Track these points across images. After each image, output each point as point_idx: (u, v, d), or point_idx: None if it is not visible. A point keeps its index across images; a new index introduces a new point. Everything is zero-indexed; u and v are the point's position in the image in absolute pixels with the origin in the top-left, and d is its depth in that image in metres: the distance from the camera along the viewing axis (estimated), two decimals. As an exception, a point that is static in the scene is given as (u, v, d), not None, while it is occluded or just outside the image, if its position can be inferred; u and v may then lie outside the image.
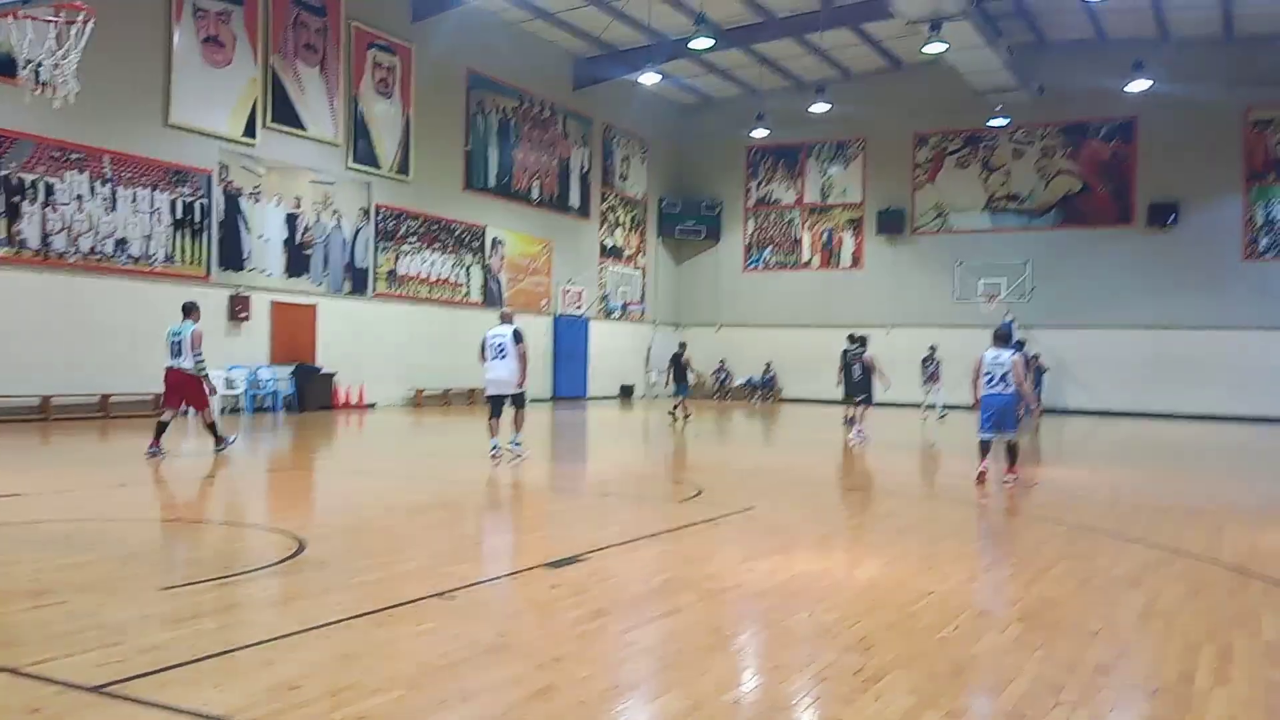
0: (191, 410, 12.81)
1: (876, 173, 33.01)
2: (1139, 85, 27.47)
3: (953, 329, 29.43)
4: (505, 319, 13.34)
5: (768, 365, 33.72)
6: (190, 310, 12.34)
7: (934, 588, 6.09)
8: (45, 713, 3.63)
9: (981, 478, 11.40)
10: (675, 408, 21.79)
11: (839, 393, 19.19)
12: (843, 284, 33.44)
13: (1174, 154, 28.84)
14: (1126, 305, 29.34)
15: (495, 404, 12.93)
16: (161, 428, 12.13)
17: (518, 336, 12.85)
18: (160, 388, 12.52)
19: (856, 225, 33.40)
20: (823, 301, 33.45)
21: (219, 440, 12.46)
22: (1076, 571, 6.77)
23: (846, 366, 20.15)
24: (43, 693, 3.83)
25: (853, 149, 33.41)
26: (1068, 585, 6.31)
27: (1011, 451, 11.41)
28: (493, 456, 12.54)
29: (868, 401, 18.12)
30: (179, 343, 12.07)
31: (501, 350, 12.81)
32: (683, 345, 23.16)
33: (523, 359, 12.89)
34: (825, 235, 33.96)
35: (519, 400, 13.00)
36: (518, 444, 12.82)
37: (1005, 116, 30.11)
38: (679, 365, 22.00)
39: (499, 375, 12.85)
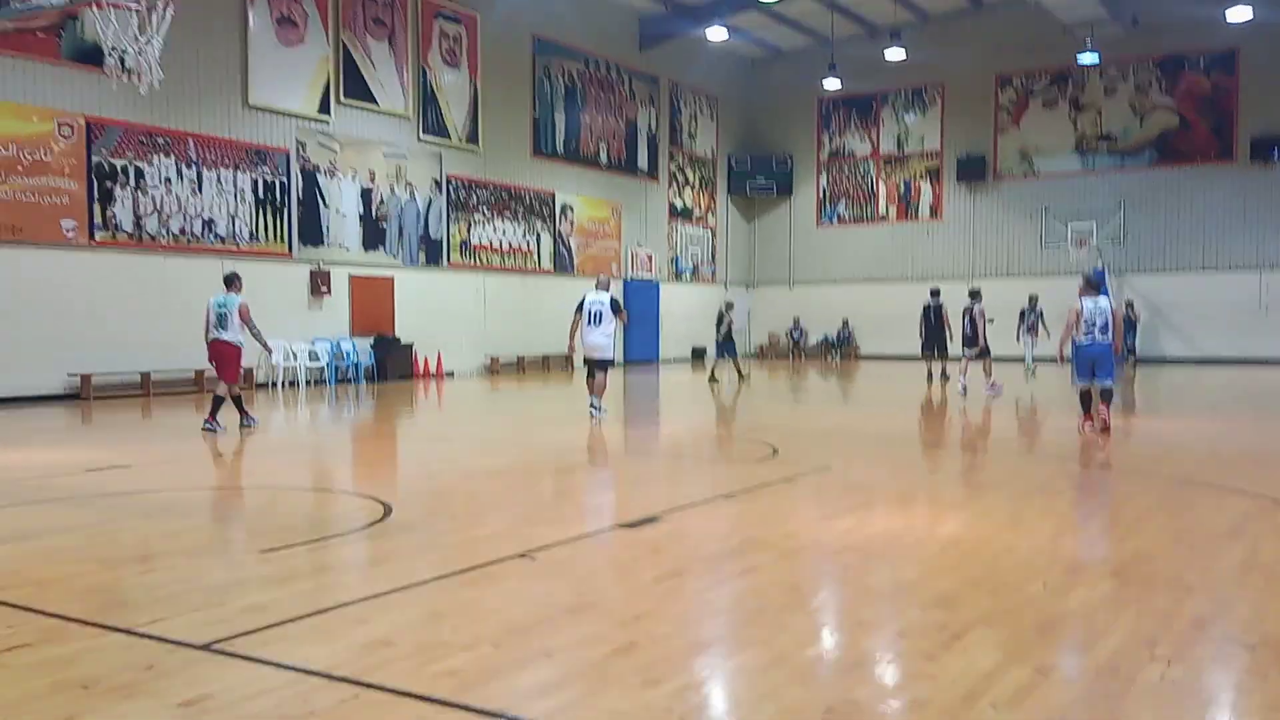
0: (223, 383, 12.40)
1: (956, 119, 32.18)
2: (1240, 14, 26.04)
3: (1039, 278, 28.66)
4: (602, 286, 13.75)
5: (844, 322, 33.33)
6: (232, 282, 12.35)
7: (1021, 544, 6.03)
8: (159, 668, 3.82)
9: (1084, 426, 11.49)
10: (714, 370, 21.78)
11: (919, 347, 19.30)
12: (921, 236, 32.82)
13: (1278, 86, 27.50)
14: (1227, 247, 28.20)
15: (593, 367, 13.39)
16: (238, 401, 12.31)
17: (615, 306, 13.33)
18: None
19: (935, 174, 32.69)
20: (900, 255, 32.90)
21: (245, 416, 12.38)
22: (1172, 525, 6.63)
23: (927, 320, 20.19)
24: (156, 651, 4.03)
25: (930, 95, 32.61)
26: (1163, 539, 6.19)
27: (1106, 396, 11.42)
28: (592, 415, 13.08)
29: (986, 354, 18.17)
30: (225, 314, 12.05)
31: (599, 316, 13.28)
32: (729, 305, 22.75)
33: (619, 325, 13.48)
34: (902, 186, 33.33)
35: (606, 367, 13.42)
36: (597, 410, 13.18)
37: (1095, 52, 28.83)
38: (723, 325, 21.75)
39: (596, 341, 13.32)
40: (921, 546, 5.99)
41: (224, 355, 12.14)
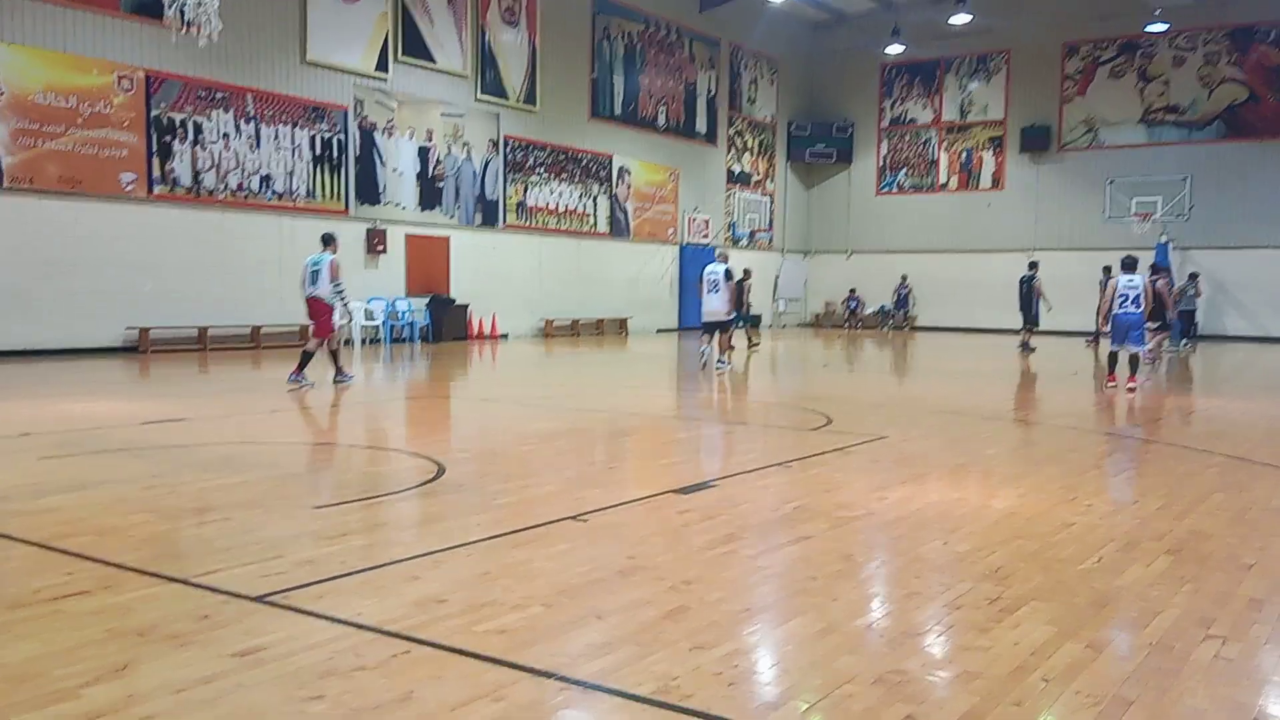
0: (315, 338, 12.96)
1: (1021, 87, 31.50)
2: (1312, -16, 25.36)
3: (1102, 252, 28.02)
4: (721, 258, 16.08)
5: (903, 278, 32.32)
6: (329, 241, 12.78)
7: (1076, 519, 5.94)
8: (214, 619, 3.89)
9: (1110, 383, 13.42)
10: (746, 339, 21.39)
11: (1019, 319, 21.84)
12: (982, 206, 32.27)
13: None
14: (1295, 224, 27.47)
15: (708, 328, 15.94)
16: (334, 356, 12.74)
17: (728, 274, 15.68)
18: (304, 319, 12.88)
19: (998, 144, 32.07)
20: (960, 225, 32.40)
21: (340, 371, 12.77)
22: (1231, 503, 6.49)
23: (1023, 292, 21.74)
24: (211, 601, 4.10)
25: (995, 63, 31.94)
26: (1221, 517, 6.06)
27: (1134, 363, 13.39)
28: (703, 366, 15.61)
29: (1164, 327, 18.75)
30: (317, 271, 12.48)
31: (715, 285, 15.52)
32: (746, 271, 22.41)
33: (731, 293, 15.79)
34: (964, 155, 32.75)
35: (725, 327, 15.95)
36: (723, 363, 15.59)
37: (1164, 21, 28.08)
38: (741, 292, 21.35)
39: (712, 306, 15.62)
40: (975, 519, 5.91)
41: (316, 311, 12.57)
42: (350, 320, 14.81)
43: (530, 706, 3.15)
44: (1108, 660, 3.72)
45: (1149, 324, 18.70)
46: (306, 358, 12.53)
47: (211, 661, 3.44)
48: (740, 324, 21.26)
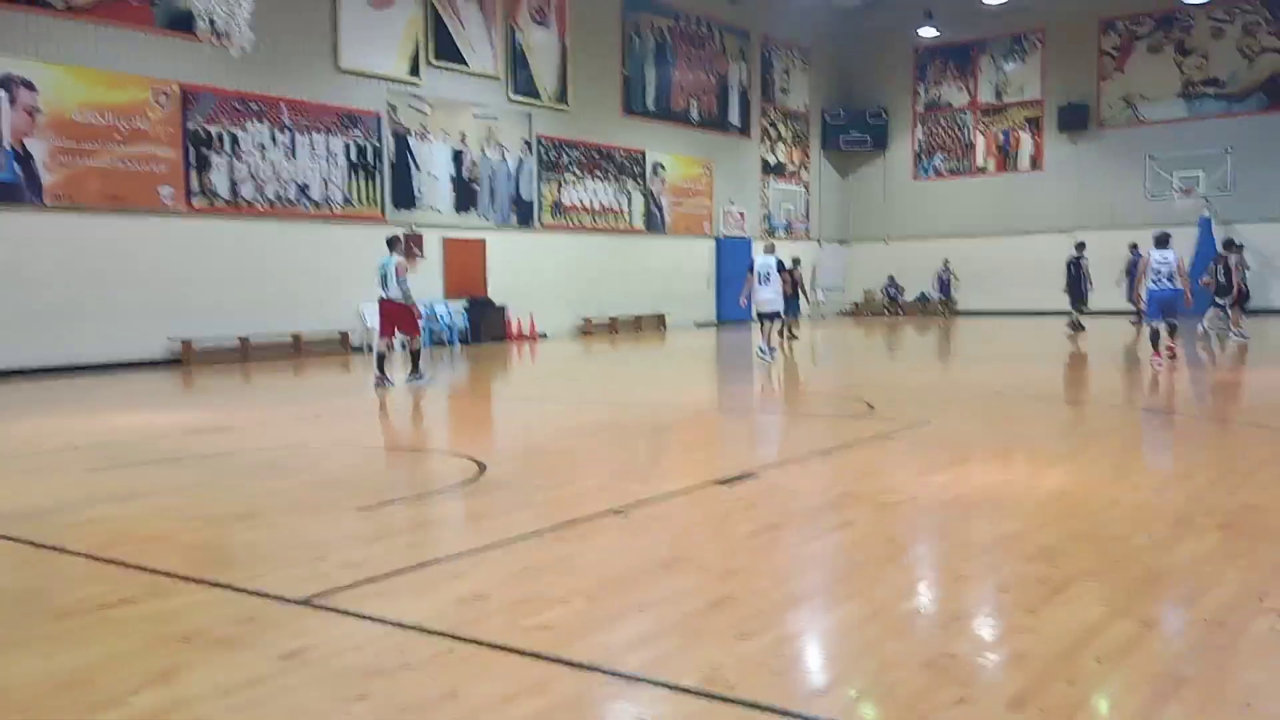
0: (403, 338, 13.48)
1: (1057, 66, 31.02)
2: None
3: (1144, 229, 27.52)
4: (769, 250, 16.55)
5: (945, 262, 31.90)
6: (393, 244, 13.13)
7: (1125, 497, 5.83)
8: (260, 622, 3.92)
9: (1156, 360, 13.35)
10: (784, 329, 20.24)
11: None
12: (1021, 187, 31.84)
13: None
14: (1340, 194, 26.86)
15: (763, 319, 16.27)
16: (380, 359, 12.89)
17: (780, 266, 16.38)
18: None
19: (1035, 124, 31.62)
20: (999, 208, 32.00)
21: (416, 371, 12.99)
22: (1284, 477, 6.35)
23: (1071, 274, 21.82)
24: (256, 604, 4.13)
25: (1030, 42, 31.46)
26: (1273, 490, 5.93)
27: (1172, 330, 13.63)
28: (761, 356, 15.85)
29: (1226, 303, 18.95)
30: (386, 274, 12.79)
31: (767, 276, 16.01)
32: (795, 260, 22.26)
33: (786, 283, 16.70)
34: (1001, 137, 32.34)
35: (778, 316, 16.62)
36: (771, 351, 16.02)
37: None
38: (793, 280, 20.96)
39: (765, 297, 16.08)
40: (1022, 500, 5.82)
41: (393, 313, 12.90)
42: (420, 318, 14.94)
43: (575, 700, 3.14)
44: (1161, 638, 3.65)
45: (1218, 300, 19.17)
46: (415, 358, 13.04)
47: (257, 664, 3.45)
48: (794, 315, 21.27)
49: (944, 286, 32.05)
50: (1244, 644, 3.51)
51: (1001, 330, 24.08)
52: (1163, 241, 13.73)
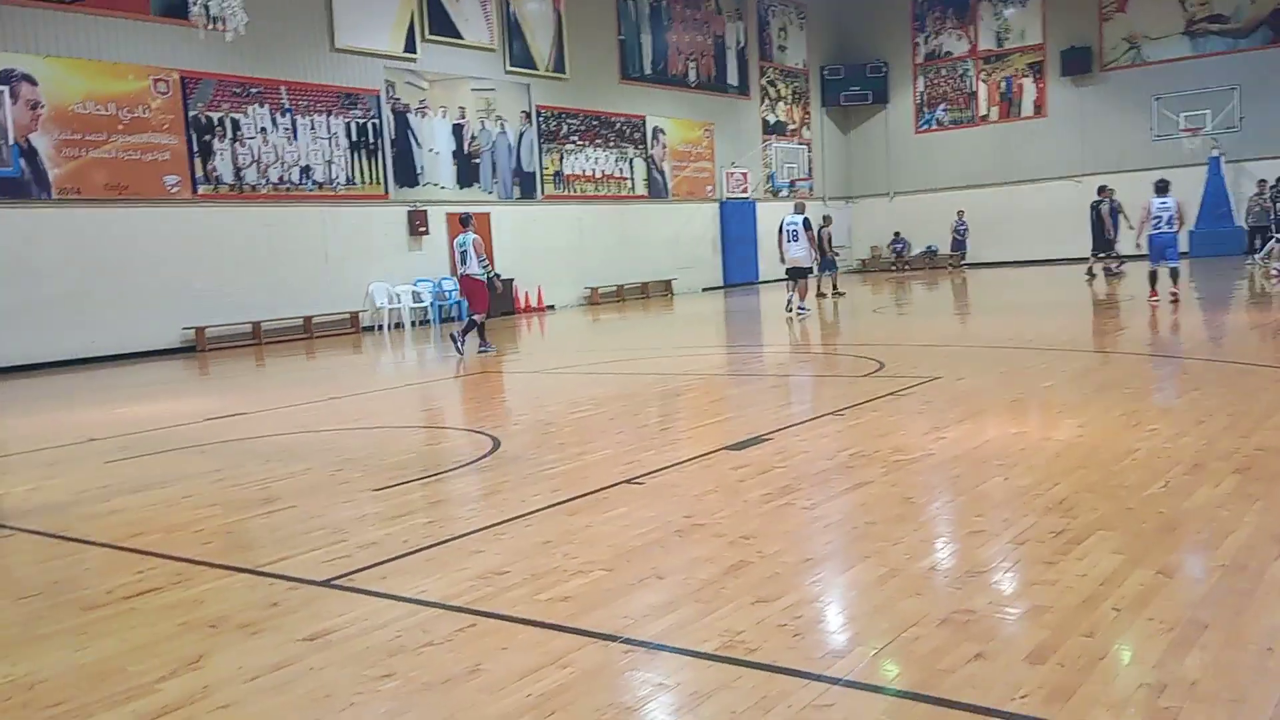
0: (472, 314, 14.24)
1: (1058, 8, 30.62)
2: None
3: (1152, 172, 27.27)
4: (798, 209, 17.27)
5: (960, 214, 30.90)
6: (467, 222, 14.15)
7: (1139, 445, 5.83)
8: (283, 605, 3.96)
9: (1153, 298, 14.45)
10: (834, 285, 21.52)
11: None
12: (1025, 135, 31.55)
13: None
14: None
15: (792, 274, 16.89)
16: (480, 328, 13.88)
17: (807, 224, 16.80)
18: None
19: (1038, 69, 31.29)
20: (1004, 157, 31.74)
21: (484, 342, 13.98)
22: (1298, 418, 6.33)
23: (1093, 218, 22.37)
24: (279, 588, 4.18)
25: (1029, -15, 31.11)
26: (1288, 433, 5.91)
27: (1174, 275, 14.54)
28: (789, 312, 16.74)
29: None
30: (465, 251, 13.80)
31: (795, 234, 16.70)
32: (826, 219, 22.30)
33: (811, 241, 16.99)
34: (1003, 84, 32.02)
35: (806, 273, 17.09)
36: (804, 309, 16.66)
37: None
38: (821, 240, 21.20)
39: (794, 254, 16.78)
40: (1036, 453, 5.83)
41: (469, 288, 14.06)
42: (499, 286, 15.84)
43: (597, 670, 3.17)
44: (1179, 585, 3.66)
45: (1277, 235, 20.28)
46: (481, 329, 13.95)
47: (282, 647, 3.50)
48: (824, 272, 21.30)
49: (959, 239, 31.13)
50: (1263, 588, 3.52)
51: (1010, 281, 23.96)
52: (1162, 189, 14.54)
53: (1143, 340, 11.80)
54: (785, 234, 16.69)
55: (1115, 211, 21.91)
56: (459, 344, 13.76)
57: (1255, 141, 27.33)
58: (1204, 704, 2.70)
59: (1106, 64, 30.03)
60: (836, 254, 23.04)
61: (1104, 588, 3.59)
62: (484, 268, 13.81)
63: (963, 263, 31.11)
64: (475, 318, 13.90)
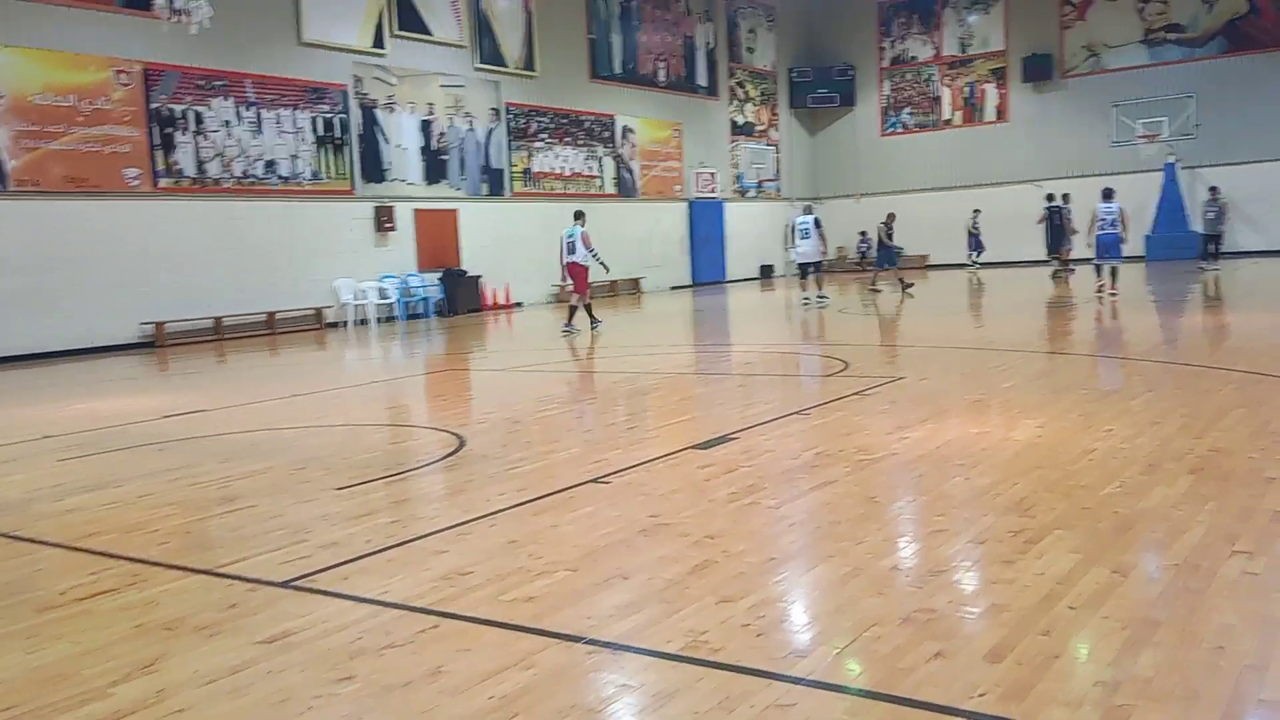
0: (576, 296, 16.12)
1: (1020, 16, 30.98)
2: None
3: (1111, 177, 27.61)
4: (808, 210, 19.68)
5: (975, 213, 28.78)
6: (579, 216, 16.21)
7: (1096, 445, 5.91)
8: (241, 607, 3.92)
9: (1100, 289, 16.51)
10: (876, 279, 23.10)
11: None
12: (987, 139, 31.86)
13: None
14: (1304, 133, 26.98)
15: (803, 269, 19.11)
16: (572, 311, 15.74)
17: (818, 223, 19.01)
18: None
19: (1000, 75, 31.61)
20: (967, 160, 32.02)
21: (593, 320, 15.85)
22: (1250, 419, 6.45)
23: (1054, 223, 23.41)
24: (238, 590, 4.13)
25: (993, -7, 31.39)
26: (1241, 434, 6.02)
27: (1114, 273, 16.69)
28: (804, 306, 18.40)
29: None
30: (572, 242, 15.75)
31: (805, 232, 18.83)
32: (891, 215, 22.63)
33: (822, 239, 19.01)
34: (967, 90, 32.33)
35: (819, 268, 19.07)
36: (823, 298, 18.58)
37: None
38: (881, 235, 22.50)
39: (804, 250, 18.79)
40: (996, 453, 5.89)
41: (575, 274, 15.93)
42: (607, 274, 18.01)
43: (560, 672, 3.17)
44: (1134, 583, 3.71)
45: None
46: (573, 311, 15.79)
47: (240, 650, 3.46)
48: (887, 266, 22.43)
49: (976, 242, 28.60)
50: (1215, 587, 3.58)
51: (971, 283, 24.18)
52: (1108, 195, 16.91)
53: (1100, 342, 11.95)
54: (797, 232, 18.67)
55: (1061, 215, 23.23)
56: (570, 328, 15.32)
57: (1210, 149, 27.77)
58: (1158, 702, 2.75)
59: (1067, 71, 30.41)
60: (900, 249, 23.65)
61: (1061, 587, 3.64)
62: (593, 255, 15.65)
63: (978, 265, 28.89)
64: (573, 301, 15.80)
